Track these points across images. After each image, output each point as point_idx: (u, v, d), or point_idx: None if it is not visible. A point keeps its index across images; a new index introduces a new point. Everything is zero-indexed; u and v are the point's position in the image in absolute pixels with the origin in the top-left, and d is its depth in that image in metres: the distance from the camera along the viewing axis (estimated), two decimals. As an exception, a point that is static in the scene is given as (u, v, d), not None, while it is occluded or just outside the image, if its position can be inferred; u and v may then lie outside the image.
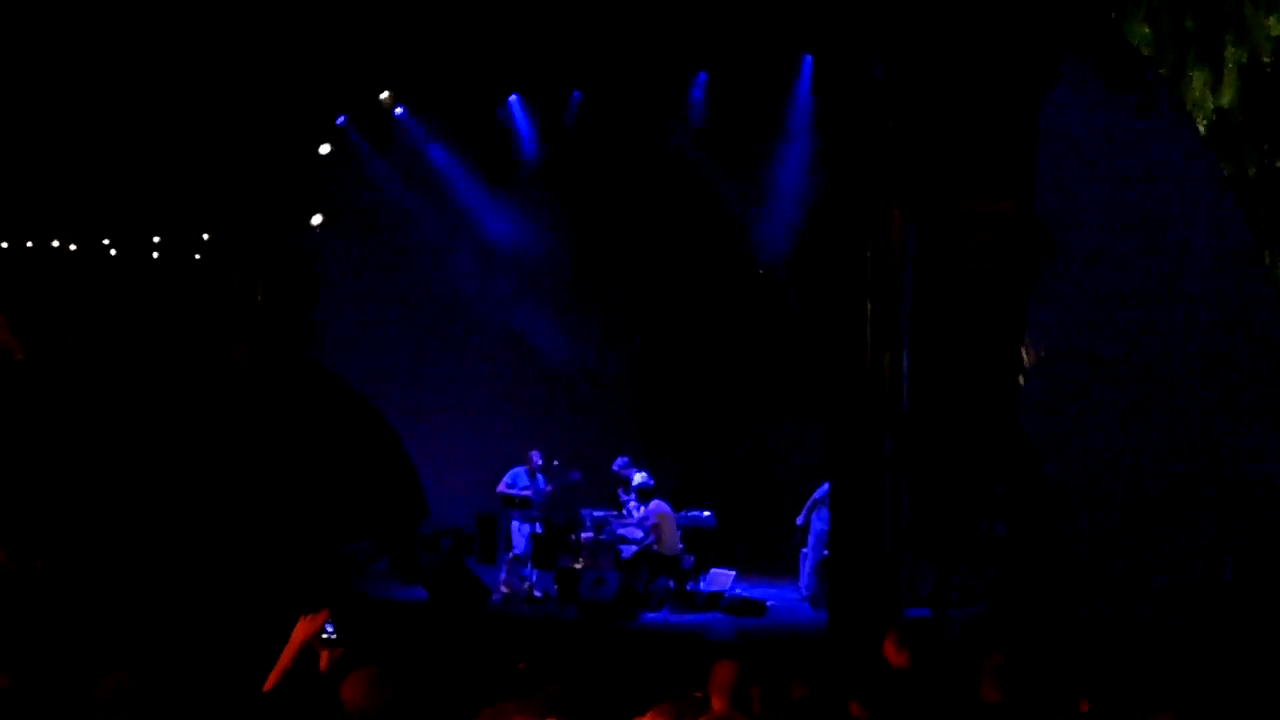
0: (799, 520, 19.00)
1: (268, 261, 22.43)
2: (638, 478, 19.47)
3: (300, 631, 6.55)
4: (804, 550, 18.81)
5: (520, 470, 19.81)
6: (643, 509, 18.98)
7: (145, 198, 21.75)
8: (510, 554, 19.53)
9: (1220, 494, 14.75)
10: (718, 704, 6.80)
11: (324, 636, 6.54)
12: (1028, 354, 15.70)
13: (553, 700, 6.24)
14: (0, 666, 7.15)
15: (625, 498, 19.59)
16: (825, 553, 18.12)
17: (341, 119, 21.33)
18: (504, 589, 19.00)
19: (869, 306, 15.33)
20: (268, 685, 6.38)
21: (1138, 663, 11.92)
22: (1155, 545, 14.98)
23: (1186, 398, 14.95)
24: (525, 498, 19.58)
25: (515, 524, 19.61)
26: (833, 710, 7.01)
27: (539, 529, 19.39)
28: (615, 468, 19.91)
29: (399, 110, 21.31)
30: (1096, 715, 7.19)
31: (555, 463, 19.98)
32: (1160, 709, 6.14)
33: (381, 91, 21.06)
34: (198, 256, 22.71)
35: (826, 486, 18.33)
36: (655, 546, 18.44)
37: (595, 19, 17.80)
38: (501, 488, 19.82)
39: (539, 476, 19.81)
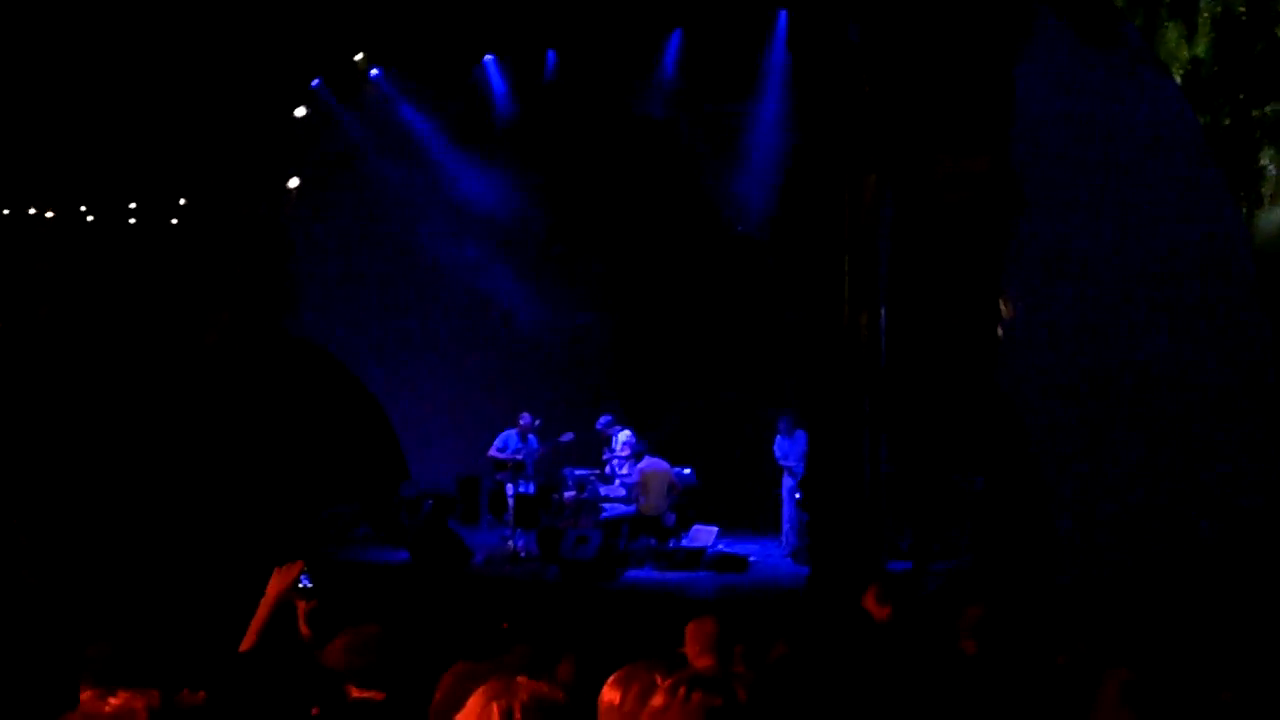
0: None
1: (244, 226, 22.39)
2: (622, 435, 19.51)
3: (275, 584, 6.56)
4: (783, 504, 18.86)
5: (511, 433, 19.74)
6: (628, 466, 19.04)
7: (120, 164, 21.68)
8: (509, 516, 19.45)
9: (1198, 446, 14.81)
10: (695, 661, 6.81)
11: (300, 588, 6.55)
12: (1005, 308, 15.75)
13: (522, 661, 6.27)
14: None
15: (608, 455, 19.61)
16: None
17: (316, 81, 21.29)
18: (522, 553, 18.95)
19: (846, 264, 15.36)
20: (246, 641, 6.38)
21: (1111, 620, 11.99)
22: (1133, 497, 15.04)
23: (1162, 349, 14.99)
24: (519, 461, 19.53)
25: (509, 487, 19.55)
26: (813, 665, 7.04)
27: (531, 489, 19.37)
28: (599, 426, 19.88)
29: (374, 72, 21.27)
30: (1071, 668, 7.23)
31: (537, 422, 19.92)
32: (1119, 663, 6.18)
33: (356, 53, 21.02)
34: (174, 222, 22.67)
35: (796, 440, 18.44)
36: (638, 506, 18.50)
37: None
38: (492, 451, 19.74)
39: (530, 437, 19.76)
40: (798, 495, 18.53)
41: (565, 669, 6.42)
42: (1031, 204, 15.51)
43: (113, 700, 4.10)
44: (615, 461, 19.46)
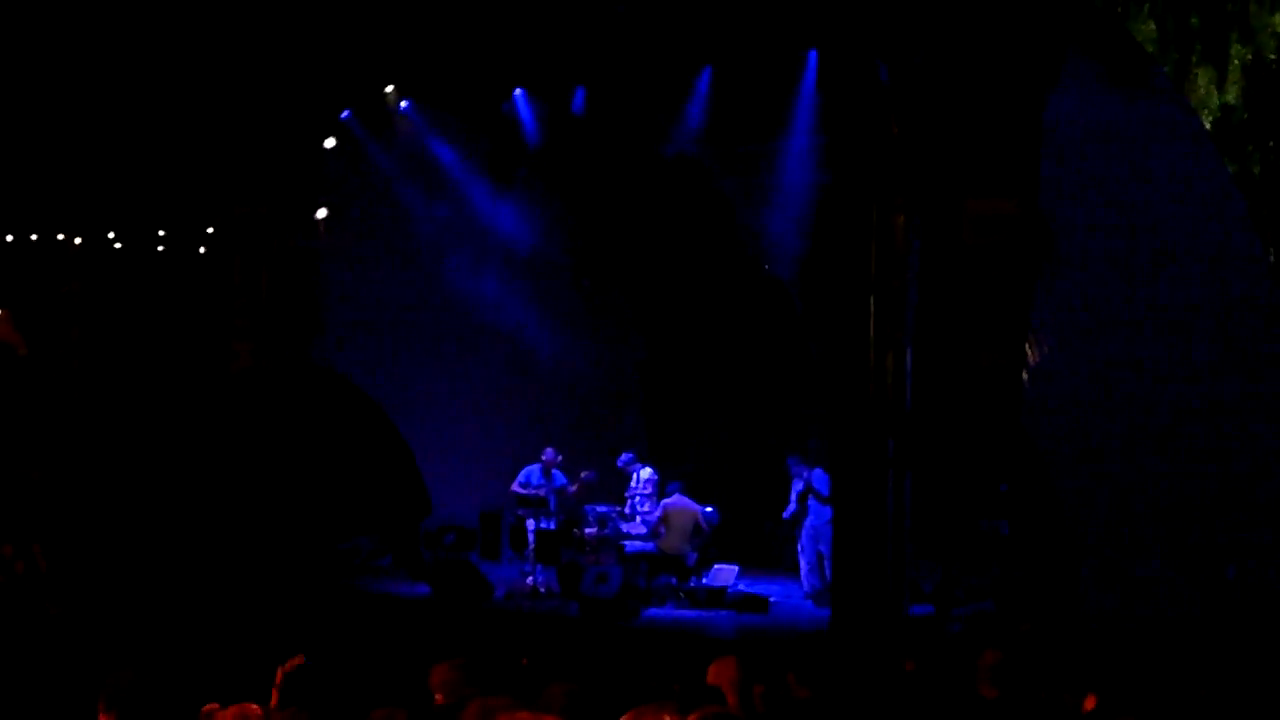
0: (787, 513, 18.96)
1: (271, 256, 22.45)
2: (644, 473, 19.48)
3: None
4: (800, 545, 18.75)
5: (534, 468, 19.70)
6: (649, 504, 19.03)
7: (149, 192, 21.77)
8: (530, 552, 19.40)
9: (1224, 494, 14.73)
10: (721, 700, 6.80)
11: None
12: (1031, 353, 15.70)
13: (555, 700, 6.26)
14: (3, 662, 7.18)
15: (629, 493, 19.58)
16: (821, 548, 18.16)
17: (346, 113, 21.36)
18: (542, 589, 18.89)
19: (872, 305, 15.33)
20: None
21: (1139, 662, 11.91)
22: (1158, 544, 14.97)
23: (1190, 397, 14.93)
24: (541, 498, 19.49)
25: (530, 523, 19.51)
26: (834, 709, 7.02)
27: (552, 525, 19.32)
28: (620, 464, 19.87)
29: (403, 105, 21.33)
30: (1100, 713, 7.18)
31: (560, 457, 19.86)
32: (1141, 710, 6.16)
33: (386, 85, 21.08)
34: (201, 251, 22.74)
35: (814, 476, 18.35)
36: (658, 543, 18.46)
37: (601, 13, 17.80)
38: (515, 486, 19.70)
39: (555, 472, 19.70)
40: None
41: (558, 694, 6.39)
42: (1059, 247, 15.48)
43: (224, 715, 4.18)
44: (636, 499, 19.43)
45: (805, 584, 18.66)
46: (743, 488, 21.12)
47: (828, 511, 17.83)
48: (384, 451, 22.30)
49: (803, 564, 18.73)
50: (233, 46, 19.10)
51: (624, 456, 19.89)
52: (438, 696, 6.77)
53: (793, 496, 18.77)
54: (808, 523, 18.58)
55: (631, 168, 20.60)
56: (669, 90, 19.03)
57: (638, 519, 19.23)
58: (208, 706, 4.39)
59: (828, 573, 18.21)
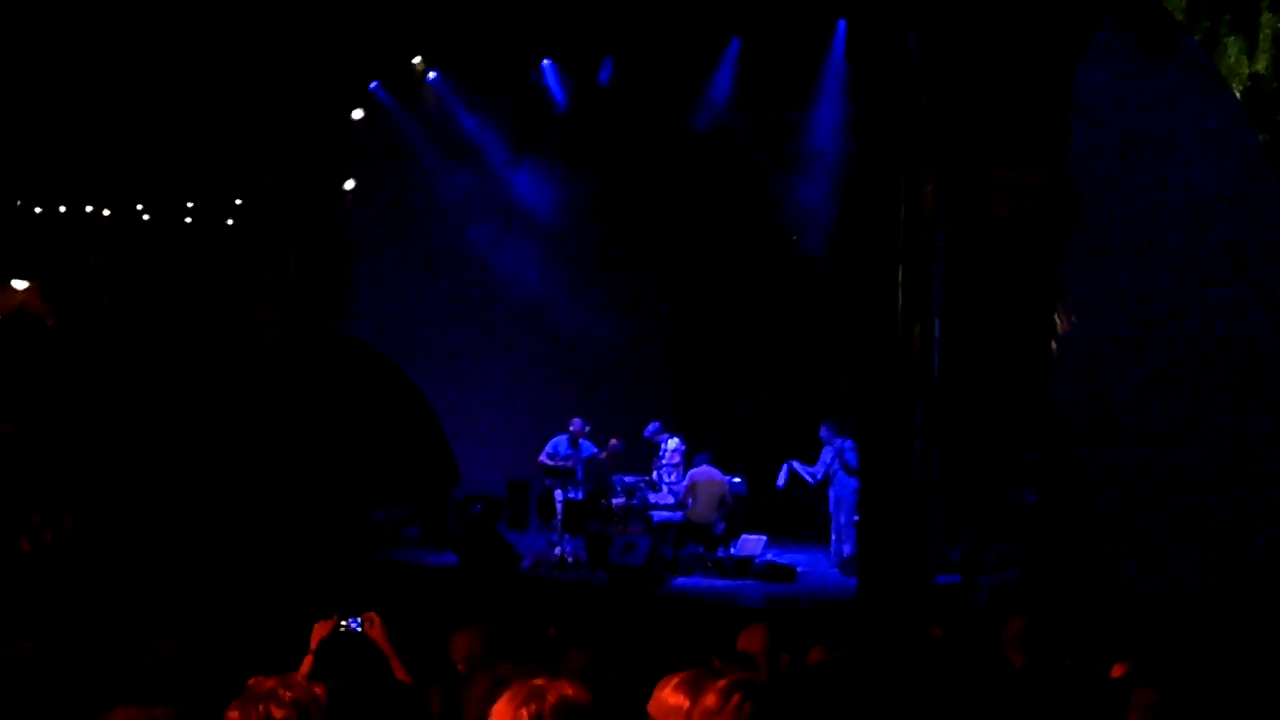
0: (813, 479, 18.92)
1: (299, 227, 22.49)
2: (671, 443, 19.50)
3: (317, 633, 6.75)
4: (830, 513, 18.75)
5: (561, 439, 19.71)
6: (675, 474, 19.07)
7: (178, 163, 21.82)
8: (557, 522, 19.45)
9: (1252, 463, 14.71)
10: (749, 666, 6.85)
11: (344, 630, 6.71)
12: (1060, 322, 15.68)
13: (573, 667, 6.28)
14: (33, 634, 7.22)
15: (656, 464, 19.60)
16: (842, 518, 18.23)
17: (374, 84, 21.37)
18: (570, 559, 18.94)
19: (901, 275, 15.32)
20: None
21: (1165, 630, 11.92)
22: (1185, 513, 14.95)
23: (1218, 366, 14.91)
24: (569, 469, 19.52)
25: (558, 493, 19.55)
26: (861, 675, 7.03)
27: (579, 495, 19.39)
28: (647, 434, 19.89)
29: (431, 75, 21.33)
30: (1127, 681, 7.19)
31: (588, 427, 19.87)
32: (1166, 678, 6.16)
33: (414, 56, 21.08)
34: (230, 222, 22.80)
35: (846, 446, 18.35)
36: (686, 513, 18.50)
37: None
38: (542, 458, 19.68)
39: (582, 442, 19.74)
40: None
41: (576, 662, 6.42)
42: (1088, 216, 15.45)
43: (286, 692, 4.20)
44: (664, 469, 19.45)
45: (834, 553, 18.67)
46: (770, 458, 21.11)
47: (853, 482, 17.85)
48: (411, 421, 22.33)
49: (832, 532, 18.76)
50: (262, 18, 19.12)
51: (651, 426, 19.91)
52: (459, 666, 6.78)
53: (820, 464, 18.76)
54: (832, 492, 18.60)
55: (659, 138, 20.58)
56: (697, 61, 19.00)
57: (664, 489, 19.25)
58: (253, 680, 4.42)
59: (846, 543, 18.29)
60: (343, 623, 6.78)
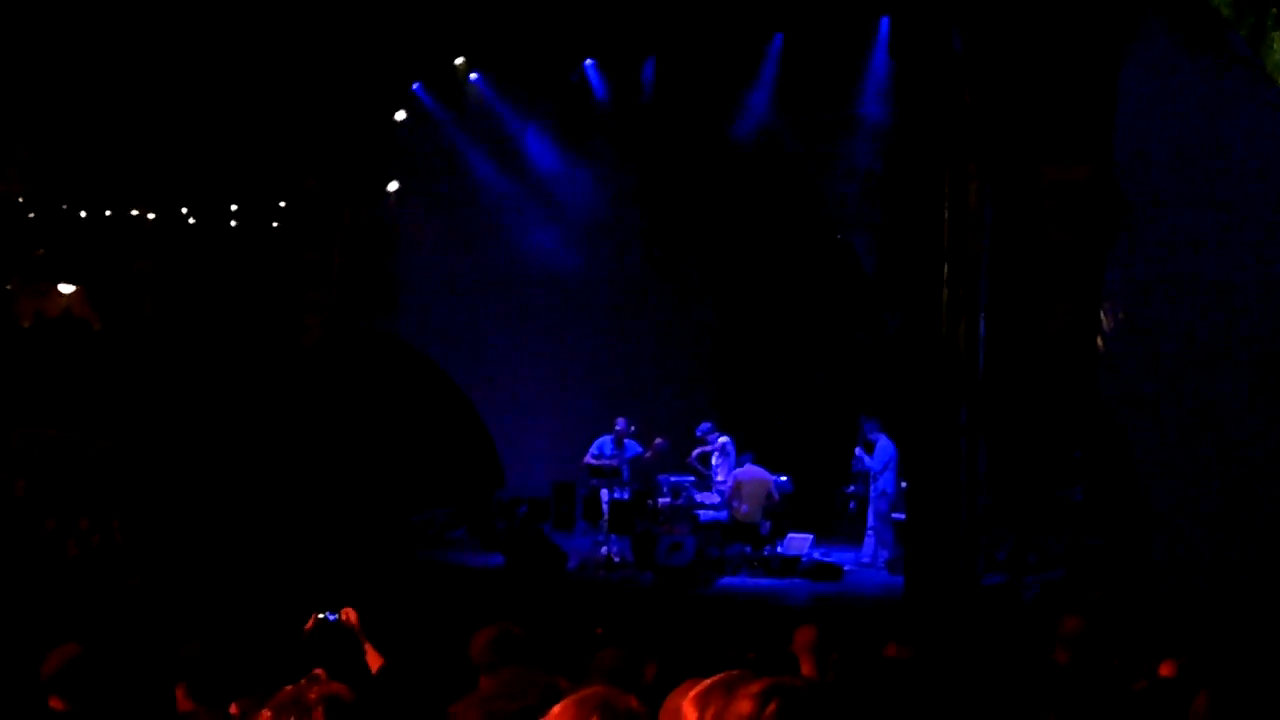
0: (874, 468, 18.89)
1: (343, 229, 22.56)
2: (721, 441, 19.51)
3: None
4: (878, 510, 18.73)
5: (606, 439, 19.77)
6: (724, 472, 19.09)
7: (221, 167, 21.92)
8: (603, 522, 19.49)
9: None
10: (801, 667, 6.87)
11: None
12: (1105, 319, 15.61)
13: (603, 666, 6.27)
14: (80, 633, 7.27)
15: (710, 461, 19.59)
16: (870, 519, 18.26)
17: (416, 85, 21.43)
18: (616, 559, 18.95)
19: (946, 272, 15.28)
20: None
21: (1212, 629, 11.86)
22: (1232, 511, 14.87)
23: (1265, 363, 14.82)
24: (614, 468, 19.53)
25: (604, 493, 19.59)
26: (912, 675, 7.03)
27: (625, 495, 19.40)
28: (699, 432, 19.91)
29: (474, 76, 21.37)
30: (1177, 681, 7.17)
31: (633, 428, 19.88)
32: (1214, 677, 6.13)
33: (456, 57, 21.13)
34: (274, 225, 22.88)
35: (885, 450, 18.37)
36: (731, 512, 18.50)
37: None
38: (588, 458, 19.77)
39: (627, 442, 19.76)
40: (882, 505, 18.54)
41: (608, 660, 6.41)
42: (1133, 213, 15.37)
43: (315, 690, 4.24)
44: (713, 468, 19.46)
45: (866, 549, 18.67)
46: (816, 457, 21.09)
47: (878, 484, 18.02)
48: (456, 423, 22.38)
49: (868, 530, 18.79)
50: (305, 20, 19.19)
51: (703, 426, 19.94)
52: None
53: (879, 457, 18.73)
54: (875, 492, 18.64)
55: (701, 139, 20.58)
56: (740, 62, 19.00)
57: (713, 488, 19.26)
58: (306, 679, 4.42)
59: (870, 543, 18.32)
60: (320, 616, 7.17)
